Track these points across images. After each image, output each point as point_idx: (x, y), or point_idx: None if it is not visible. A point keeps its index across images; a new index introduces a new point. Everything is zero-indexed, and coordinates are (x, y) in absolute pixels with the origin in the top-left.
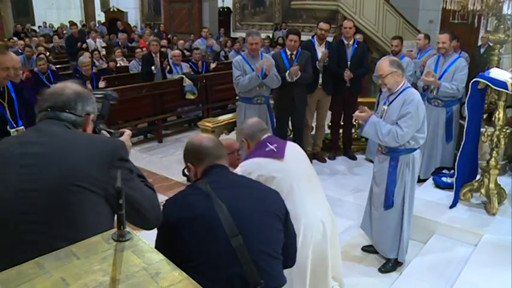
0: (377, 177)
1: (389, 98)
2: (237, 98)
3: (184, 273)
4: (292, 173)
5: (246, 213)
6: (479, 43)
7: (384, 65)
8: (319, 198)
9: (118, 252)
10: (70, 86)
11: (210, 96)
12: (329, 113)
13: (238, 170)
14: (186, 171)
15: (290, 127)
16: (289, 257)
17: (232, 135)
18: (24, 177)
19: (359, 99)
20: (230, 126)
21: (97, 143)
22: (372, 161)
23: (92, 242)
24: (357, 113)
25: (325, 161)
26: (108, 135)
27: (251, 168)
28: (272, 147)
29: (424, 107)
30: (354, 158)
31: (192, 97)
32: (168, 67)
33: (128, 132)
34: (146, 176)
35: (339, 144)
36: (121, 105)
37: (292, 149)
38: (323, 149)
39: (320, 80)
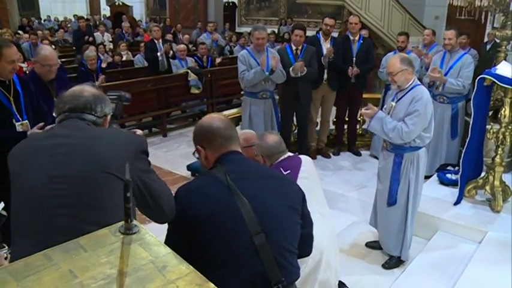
0: (381, 174)
1: (397, 95)
2: (242, 93)
3: (191, 267)
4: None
5: (269, 209)
6: (486, 39)
7: (394, 62)
8: (324, 224)
9: (125, 245)
10: (88, 89)
11: (214, 91)
12: (334, 108)
13: None
14: (195, 154)
15: (295, 122)
16: (305, 247)
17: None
18: (55, 165)
19: (364, 95)
20: (235, 121)
21: (123, 136)
22: (376, 158)
23: (99, 234)
24: (363, 110)
25: (329, 157)
26: None
27: None
28: (285, 174)
29: (432, 106)
30: (358, 154)
31: (196, 91)
32: (171, 52)
33: (139, 132)
34: None
35: (343, 140)
36: None
37: (305, 174)
38: (328, 144)
39: (325, 76)
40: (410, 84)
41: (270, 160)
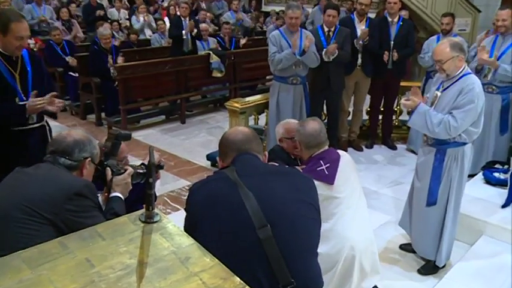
0: (420, 171)
1: (444, 84)
2: (269, 77)
3: (216, 259)
4: (337, 201)
5: (277, 202)
6: None
7: (443, 48)
8: (362, 224)
9: (146, 234)
10: (72, 134)
11: (238, 75)
12: (368, 97)
13: None
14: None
15: (325, 111)
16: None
17: (262, 119)
18: (1, 193)
19: (402, 83)
20: (261, 108)
21: (60, 181)
22: (413, 152)
23: (118, 222)
24: (403, 101)
25: (361, 150)
26: (110, 172)
27: None
28: (324, 167)
29: (483, 97)
30: (393, 148)
31: (219, 75)
32: (196, 30)
33: (128, 171)
34: (167, 158)
35: (377, 131)
36: (141, 81)
37: (344, 167)
38: (360, 136)
39: (359, 61)
40: (460, 73)
41: (308, 151)
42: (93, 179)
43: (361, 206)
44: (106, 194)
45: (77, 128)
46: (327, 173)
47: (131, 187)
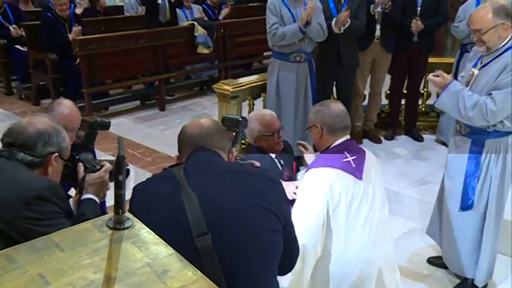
0: (451, 167)
1: (482, 59)
2: (267, 53)
3: (199, 272)
4: (368, 201)
5: (226, 207)
6: None
7: (483, 14)
8: (381, 236)
9: (114, 243)
10: (35, 123)
11: (229, 51)
12: (388, 77)
13: (311, 174)
14: None
15: (334, 95)
16: (283, 264)
17: (259, 103)
18: None
19: (430, 60)
20: (257, 91)
21: (16, 181)
22: (444, 144)
23: (80, 229)
24: (431, 76)
25: (380, 142)
26: (82, 168)
27: (333, 177)
28: (350, 159)
29: None
30: (419, 139)
31: (205, 51)
32: None
33: (106, 167)
34: (142, 153)
35: (399, 119)
36: (110, 58)
37: (369, 167)
38: (378, 125)
39: (377, 32)
40: (505, 45)
41: (331, 137)
42: (62, 178)
43: (383, 217)
44: (77, 195)
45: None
46: (353, 165)
47: (109, 187)
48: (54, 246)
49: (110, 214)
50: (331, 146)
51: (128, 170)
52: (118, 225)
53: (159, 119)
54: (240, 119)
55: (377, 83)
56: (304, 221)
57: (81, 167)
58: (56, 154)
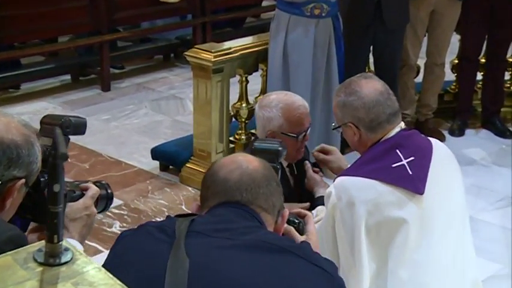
0: None
1: None
2: (264, 4)
3: None
4: (432, 220)
5: (222, 283)
6: None
7: None
8: (463, 274)
9: (46, 284)
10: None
11: (209, 1)
12: (455, 38)
13: (332, 190)
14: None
15: (371, 67)
16: None
17: (255, 80)
18: None
19: None
20: (252, 62)
21: None
22: None
23: None
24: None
25: (443, 139)
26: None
27: (373, 198)
28: (405, 161)
29: None
30: (505, 134)
31: (171, 0)
32: None
33: (91, 192)
34: (75, 156)
35: (473, 104)
36: (23, 8)
37: (438, 167)
38: (440, 113)
39: None
40: None
41: (373, 134)
42: (18, 213)
43: (466, 242)
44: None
45: None
46: (410, 172)
47: (94, 221)
48: None
49: (39, 243)
50: (376, 145)
51: (110, 195)
52: (52, 259)
53: (102, 103)
54: (280, 147)
55: (438, 49)
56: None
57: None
58: (23, 181)
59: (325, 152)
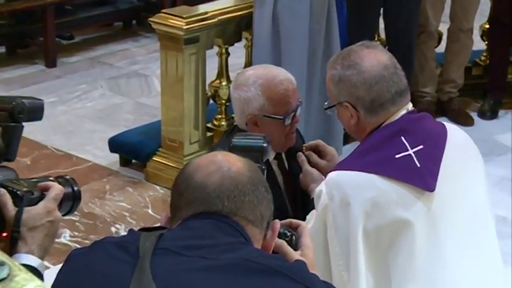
0: None
1: None
2: None
3: None
4: (444, 224)
5: None
6: None
7: None
8: (484, 269)
9: None
10: None
11: None
12: (484, 4)
13: (322, 188)
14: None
15: (381, 35)
16: None
17: (237, 53)
18: None
19: None
20: (233, 30)
21: None
22: None
23: None
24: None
25: (471, 123)
26: (10, 200)
27: (373, 197)
28: (411, 151)
29: None
30: None
31: None
32: None
33: (53, 194)
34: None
35: (507, 79)
36: None
37: (453, 157)
38: (466, 91)
39: None
40: None
41: (374, 117)
42: None
43: (490, 250)
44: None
45: None
46: (418, 164)
47: (58, 228)
48: None
49: None
50: (377, 130)
51: (77, 193)
52: None
53: (45, 82)
54: (264, 143)
55: (465, 11)
56: None
57: (6, 197)
58: None
59: (319, 153)
